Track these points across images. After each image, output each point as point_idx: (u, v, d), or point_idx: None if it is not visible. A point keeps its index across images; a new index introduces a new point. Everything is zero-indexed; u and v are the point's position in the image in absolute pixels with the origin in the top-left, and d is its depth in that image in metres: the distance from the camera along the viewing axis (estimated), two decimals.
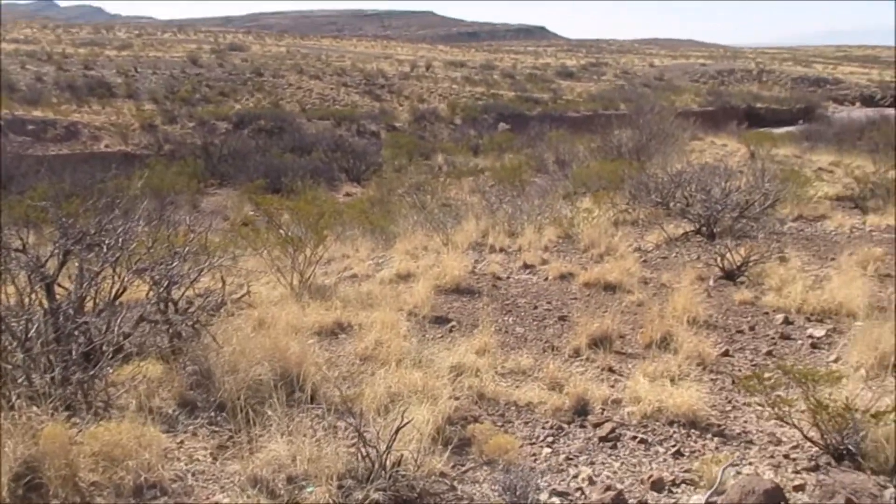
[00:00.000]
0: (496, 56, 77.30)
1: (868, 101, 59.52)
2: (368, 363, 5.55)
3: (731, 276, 8.25)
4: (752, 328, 6.65)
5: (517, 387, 5.20)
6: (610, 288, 7.96)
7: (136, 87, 37.51)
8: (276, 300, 7.06)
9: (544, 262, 9.15)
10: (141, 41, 59.52)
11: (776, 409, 4.19)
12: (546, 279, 8.43)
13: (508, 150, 27.90)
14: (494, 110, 41.12)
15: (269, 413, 4.04)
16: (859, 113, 45.33)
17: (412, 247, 10.20)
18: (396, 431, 3.69)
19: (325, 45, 76.77)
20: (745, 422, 4.64)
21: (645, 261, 9.30)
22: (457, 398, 4.73)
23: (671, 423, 4.57)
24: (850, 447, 3.95)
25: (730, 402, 4.95)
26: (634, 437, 4.42)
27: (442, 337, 6.43)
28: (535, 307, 7.38)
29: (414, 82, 48.09)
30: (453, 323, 6.85)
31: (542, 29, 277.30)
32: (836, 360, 5.67)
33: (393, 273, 8.64)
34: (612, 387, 5.22)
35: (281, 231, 8.40)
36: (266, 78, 44.31)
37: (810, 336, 6.38)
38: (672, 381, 5.08)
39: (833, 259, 9.00)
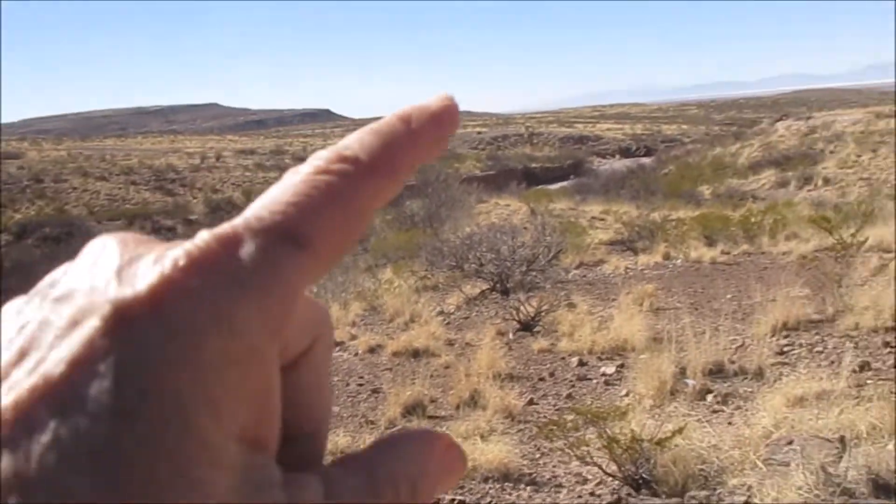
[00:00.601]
0: (286, 141, 77.61)
1: (625, 152, 65.80)
2: None
3: (527, 327, 8.76)
4: (551, 374, 7.09)
5: None
6: (418, 354, 8.18)
7: None
8: None
9: (353, 336, 9.24)
10: None
11: (576, 451, 4.52)
12: (356, 354, 8.52)
13: None
14: None
15: None
16: (620, 164, 49.81)
17: None
18: None
19: (108, 144, 73.40)
20: (554, 466, 4.94)
21: (448, 323, 9.64)
22: None
23: (486, 480, 4.76)
24: (643, 475, 4.33)
25: (538, 449, 5.25)
26: (453, 500, 4.57)
27: None
28: (348, 384, 7.44)
29: (206, 173, 47.06)
30: None
31: (328, 111, 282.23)
32: (626, 394, 6.18)
33: None
34: None
35: None
36: (47, 184, 41.67)
37: (603, 374, 6.90)
38: (483, 437, 5.31)
39: (614, 300, 9.80)
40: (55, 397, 0.23)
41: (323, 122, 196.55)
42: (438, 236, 15.32)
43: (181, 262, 0.25)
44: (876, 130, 36.31)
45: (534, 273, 11.62)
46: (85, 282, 0.26)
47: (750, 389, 6.18)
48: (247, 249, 0.26)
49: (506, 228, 13.83)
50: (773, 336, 7.39)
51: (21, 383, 0.23)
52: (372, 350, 8.54)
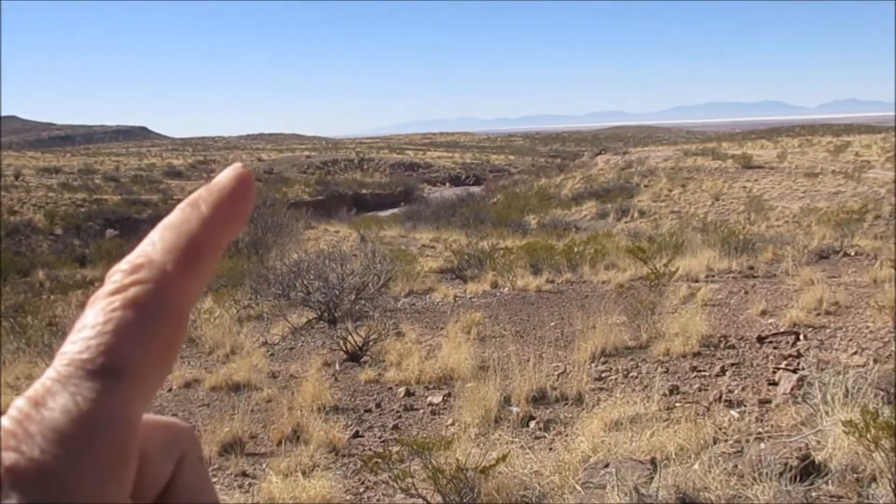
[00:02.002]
0: (96, 159, 72.97)
1: (456, 180, 67.29)
2: None
3: (355, 357, 8.59)
4: (378, 405, 6.97)
5: None
6: (238, 388, 7.80)
7: None
8: None
9: None
10: None
11: (400, 483, 4.41)
12: (170, 389, 8.00)
13: (119, 256, 25.83)
14: (100, 216, 38.59)
15: None
16: (450, 192, 50.85)
17: (13, 378, 9.04)
18: None
19: None
20: (378, 500, 4.81)
21: (272, 354, 9.30)
22: None
23: None
24: None
25: (363, 483, 5.10)
26: None
27: None
28: None
29: (2, 193, 43.34)
30: None
31: (144, 129, 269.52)
32: (452, 423, 6.15)
33: None
34: (247, 492, 5.08)
35: None
36: None
37: (430, 403, 6.86)
38: (304, 473, 5.10)
39: (442, 328, 9.84)
40: None
41: (139, 140, 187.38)
42: (264, 263, 14.90)
43: (6, 439, 0.23)
44: (684, 167, 39.39)
45: (363, 301, 11.48)
46: None
47: (570, 415, 6.34)
48: (60, 402, 0.25)
49: (335, 255, 13.63)
50: (592, 362, 7.66)
51: None
52: (188, 385, 8.06)
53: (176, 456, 0.28)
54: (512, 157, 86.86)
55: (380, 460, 4.44)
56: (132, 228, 33.50)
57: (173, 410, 7.29)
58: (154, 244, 0.28)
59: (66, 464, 0.23)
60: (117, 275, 0.28)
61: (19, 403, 0.24)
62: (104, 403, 0.24)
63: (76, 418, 0.24)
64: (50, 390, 0.24)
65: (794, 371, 6.91)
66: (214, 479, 5.37)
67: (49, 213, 39.18)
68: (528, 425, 6.12)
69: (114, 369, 0.25)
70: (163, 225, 0.29)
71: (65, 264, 26.75)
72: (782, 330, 8.37)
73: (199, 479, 0.29)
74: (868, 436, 4.52)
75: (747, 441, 5.55)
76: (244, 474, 5.44)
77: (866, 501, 4.50)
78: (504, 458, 4.41)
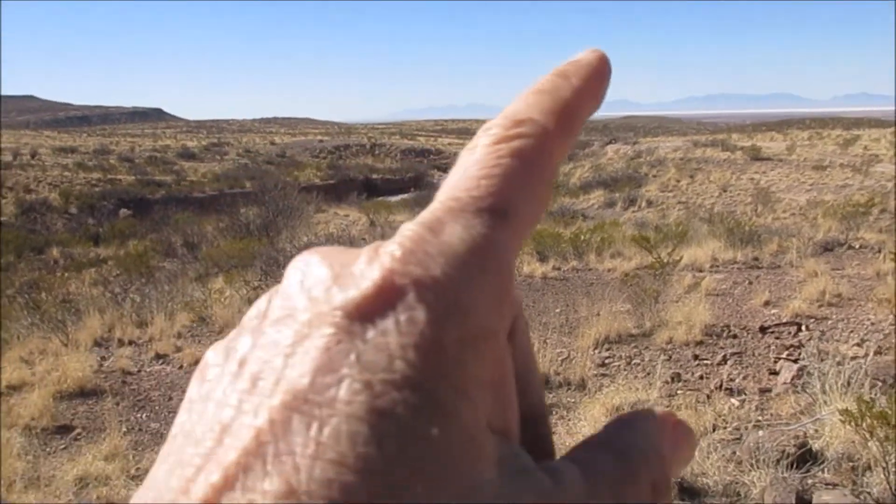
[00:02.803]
0: (111, 140, 73.40)
1: None
2: None
3: None
4: None
5: None
6: None
7: None
8: None
9: (178, 349, 8.83)
10: None
11: None
12: (181, 367, 8.14)
13: (132, 236, 26.53)
14: (114, 196, 38.82)
15: None
16: None
17: (26, 352, 9.19)
18: None
19: None
20: None
21: None
22: None
23: None
24: None
25: None
26: None
27: (65, 448, 5.88)
28: (170, 398, 7.09)
29: (18, 172, 43.55)
30: (78, 430, 6.30)
31: (159, 111, 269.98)
32: None
33: (2, 385, 7.70)
34: None
35: None
36: None
37: None
38: None
39: None
40: (307, 407, 0.22)
41: (154, 121, 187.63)
42: (274, 245, 15.01)
43: (397, 254, 0.25)
44: (693, 158, 39.28)
45: None
46: (300, 299, 0.26)
47: (573, 400, 6.44)
48: (455, 231, 0.26)
49: (344, 239, 13.74)
50: (596, 349, 7.74)
51: (267, 402, 0.23)
52: (198, 363, 8.10)
53: (514, 311, 0.29)
54: None
55: None
56: (146, 208, 33.78)
57: (184, 387, 7.42)
58: (531, 106, 0.30)
59: (465, 287, 0.25)
60: (495, 129, 0.29)
61: (412, 227, 0.27)
62: (494, 239, 0.26)
63: (472, 248, 0.26)
64: (441, 220, 0.27)
65: (795, 361, 6.99)
66: None
67: (64, 192, 39.46)
68: None
69: (501, 211, 0.27)
70: (535, 90, 0.30)
71: (79, 243, 27.01)
72: (785, 320, 8.43)
73: (528, 339, 0.31)
74: (863, 425, 4.60)
75: (746, 429, 5.64)
76: None
77: (861, 489, 4.59)
78: None
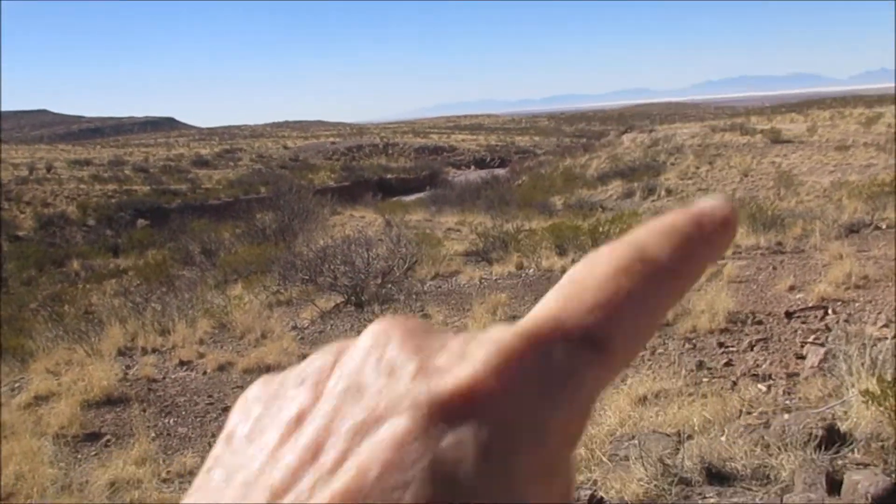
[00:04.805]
0: (125, 150, 73.86)
1: (480, 163, 67.15)
2: None
3: None
4: None
5: (184, 490, 4.97)
6: (270, 370, 7.87)
7: None
8: None
9: (201, 355, 8.88)
10: None
11: None
12: (205, 373, 8.20)
13: (151, 245, 26.72)
14: (131, 206, 39.16)
15: None
16: (475, 175, 50.76)
17: (52, 364, 9.29)
18: None
19: None
20: None
21: (302, 338, 9.46)
22: None
23: None
24: None
25: None
26: None
27: (96, 454, 5.94)
28: (196, 403, 7.15)
29: (35, 186, 43.97)
30: (108, 437, 6.37)
31: (171, 120, 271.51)
32: None
33: (31, 396, 7.78)
34: None
35: None
36: None
37: None
38: None
39: (469, 309, 9.93)
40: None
41: (166, 130, 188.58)
42: (291, 250, 15.05)
43: (493, 361, 0.24)
44: (712, 143, 38.82)
45: (389, 285, 11.60)
46: (376, 376, 0.25)
47: None
48: (555, 355, 0.25)
49: (361, 240, 13.72)
50: None
51: (329, 482, 0.22)
52: (221, 368, 8.25)
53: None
54: (537, 138, 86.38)
55: None
56: (162, 217, 34.00)
57: (209, 392, 7.48)
58: (658, 243, 0.29)
59: (550, 414, 0.24)
60: (621, 259, 0.29)
61: (510, 337, 0.26)
62: (588, 371, 0.26)
63: (565, 378, 0.25)
64: (543, 339, 0.26)
65: (822, 345, 6.93)
66: None
67: (81, 204, 39.80)
68: None
69: (601, 344, 0.26)
70: (662, 228, 0.29)
71: (98, 254, 27.29)
72: (810, 305, 8.36)
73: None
74: (886, 404, 4.56)
75: (773, 413, 5.61)
76: None
77: (892, 468, 4.55)
78: None
